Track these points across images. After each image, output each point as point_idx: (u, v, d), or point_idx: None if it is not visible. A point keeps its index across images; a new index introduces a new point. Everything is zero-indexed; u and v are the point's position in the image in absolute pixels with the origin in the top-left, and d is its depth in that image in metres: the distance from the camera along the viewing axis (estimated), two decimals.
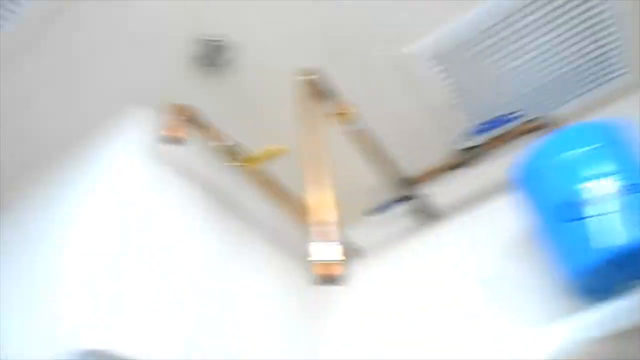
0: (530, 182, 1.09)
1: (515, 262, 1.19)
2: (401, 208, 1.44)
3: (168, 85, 1.26)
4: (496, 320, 1.14)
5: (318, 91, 1.14)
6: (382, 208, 1.48)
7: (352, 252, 1.52)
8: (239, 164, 1.22)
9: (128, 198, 1.08)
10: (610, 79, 1.27)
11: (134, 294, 0.97)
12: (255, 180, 1.28)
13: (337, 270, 0.89)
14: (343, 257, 0.91)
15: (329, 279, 0.89)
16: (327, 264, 0.88)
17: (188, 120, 1.14)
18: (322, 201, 1.00)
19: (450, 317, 1.23)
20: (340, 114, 1.16)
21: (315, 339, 1.38)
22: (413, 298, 1.32)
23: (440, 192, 1.45)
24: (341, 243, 0.91)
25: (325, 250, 0.90)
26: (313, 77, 1.14)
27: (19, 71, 1.22)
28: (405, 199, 1.40)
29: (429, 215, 1.42)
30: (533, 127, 1.23)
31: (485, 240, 1.29)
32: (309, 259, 0.88)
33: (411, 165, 1.39)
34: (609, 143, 1.01)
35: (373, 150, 1.26)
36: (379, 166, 1.31)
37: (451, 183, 1.44)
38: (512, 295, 1.15)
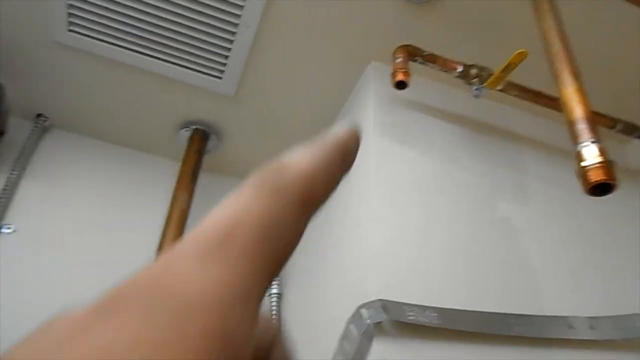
0: None
1: None
2: None
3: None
4: None
5: None
6: None
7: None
8: (484, 85, 1.10)
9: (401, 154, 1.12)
10: None
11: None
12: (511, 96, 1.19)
13: (603, 175, 0.72)
14: (607, 158, 0.74)
15: (599, 186, 0.73)
16: (595, 168, 0.72)
17: (413, 59, 1.09)
18: (574, 96, 0.82)
19: None
20: None
21: None
22: None
23: None
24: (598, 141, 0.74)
25: (589, 152, 0.74)
26: None
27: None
28: None
29: None
30: None
31: None
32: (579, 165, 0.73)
33: None
34: None
35: None
36: None
37: None
38: None
